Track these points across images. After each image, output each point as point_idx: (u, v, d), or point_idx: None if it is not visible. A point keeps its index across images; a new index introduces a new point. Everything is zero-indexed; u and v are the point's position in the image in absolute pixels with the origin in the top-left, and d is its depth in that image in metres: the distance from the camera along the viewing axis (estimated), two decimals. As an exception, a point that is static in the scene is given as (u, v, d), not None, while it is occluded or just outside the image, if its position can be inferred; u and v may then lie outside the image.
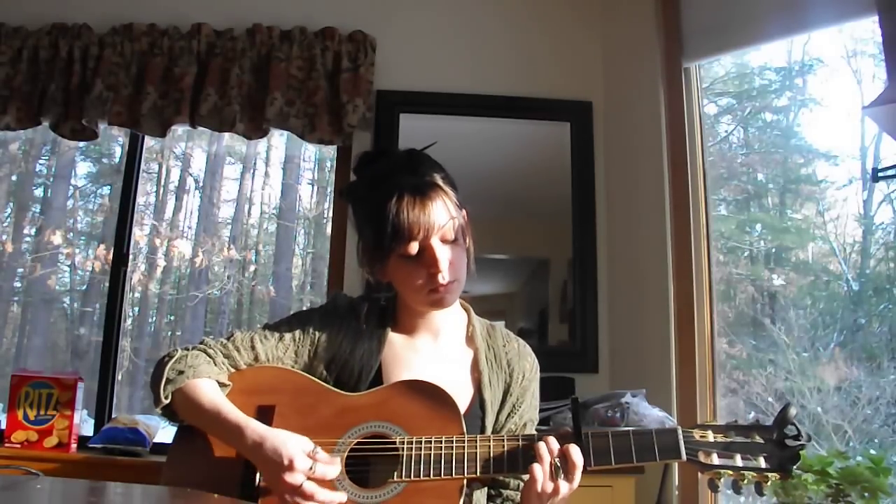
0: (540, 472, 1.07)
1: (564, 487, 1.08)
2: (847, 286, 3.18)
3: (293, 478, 1.05)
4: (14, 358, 4.98)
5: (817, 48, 3.07)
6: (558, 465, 1.08)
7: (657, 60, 2.56)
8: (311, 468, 1.06)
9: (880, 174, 2.14)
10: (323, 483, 1.07)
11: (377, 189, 1.19)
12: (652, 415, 2.04)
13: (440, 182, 1.22)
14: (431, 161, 1.25)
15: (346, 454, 1.13)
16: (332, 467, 1.09)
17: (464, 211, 1.24)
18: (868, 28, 2.52)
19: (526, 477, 1.09)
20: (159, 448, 2.37)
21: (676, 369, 2.33)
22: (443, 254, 1.17)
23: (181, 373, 1.17)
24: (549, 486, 1.07)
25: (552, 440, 1.10)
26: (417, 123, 2.66)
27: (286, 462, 1.05)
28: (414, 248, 1.17)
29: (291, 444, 1.08)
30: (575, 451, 1.08)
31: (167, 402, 1.17)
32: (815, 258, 3.37)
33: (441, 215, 1.18)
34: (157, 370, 1.19)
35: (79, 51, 2.59)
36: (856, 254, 3.25)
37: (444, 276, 1.17)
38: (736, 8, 2.39)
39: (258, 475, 1.13)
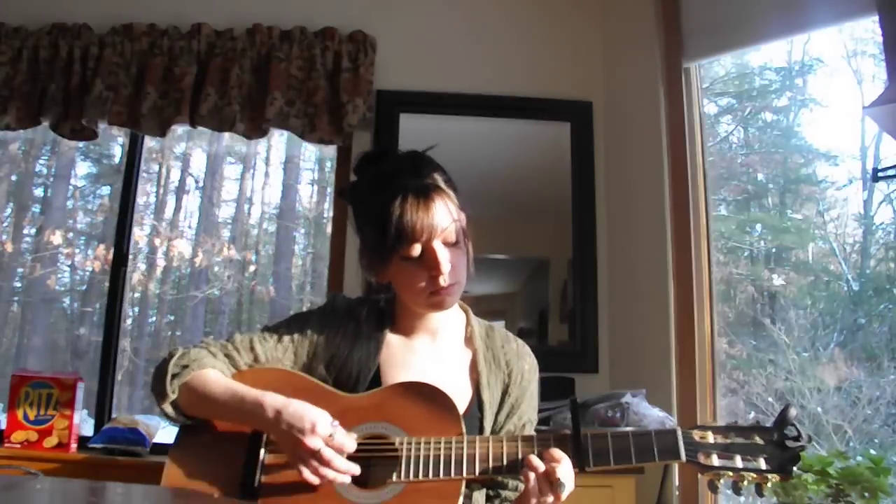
0: (535, 481, 1.07)
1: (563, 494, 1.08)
2: (847, 286, 3.19)
3: (313, 441, 1.06)
4: (14, 358, 4.97)
5: (817, 48, 3.08)
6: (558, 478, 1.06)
7: (657, 60, 2.56)
8: (330, 435, 1.07)
9: (880, 174, 2.14)
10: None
11: (380, 190, 1.18)
12: (652, 415, 2.04)
13: (442, 184, 1.22)
14: (434, 163, 1.25)
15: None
16: (349, 440, 1.10)
17: (463, 213, 1.24)
18: (868, 28, 2.53)
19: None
20: (159, 448, 2.37)
21: (676, 369, 2.33)
22: (444, 256, 1.17)
23: (185, 367, 1.17)
24: (550, 499, 1.07)
25: (549, 452, 1.09)
26: (417, 123, 2.66)
27: (308, 425, 1.07)
28: (416, 249, 1.17)
29: (315, 411, 1.09)
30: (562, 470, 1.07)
31: (174, 396, 1.17)
32: (815, 258, 3.38)
33: (444, 217, 1.18)
34: (159, 369, 1.19)
35: (79, 51, 2.59)
36: (856, 254, 3.26)
37: (445, 279, 1.17)
38: (736, 8, 2.39)
39: (258, 476, 1.12)
